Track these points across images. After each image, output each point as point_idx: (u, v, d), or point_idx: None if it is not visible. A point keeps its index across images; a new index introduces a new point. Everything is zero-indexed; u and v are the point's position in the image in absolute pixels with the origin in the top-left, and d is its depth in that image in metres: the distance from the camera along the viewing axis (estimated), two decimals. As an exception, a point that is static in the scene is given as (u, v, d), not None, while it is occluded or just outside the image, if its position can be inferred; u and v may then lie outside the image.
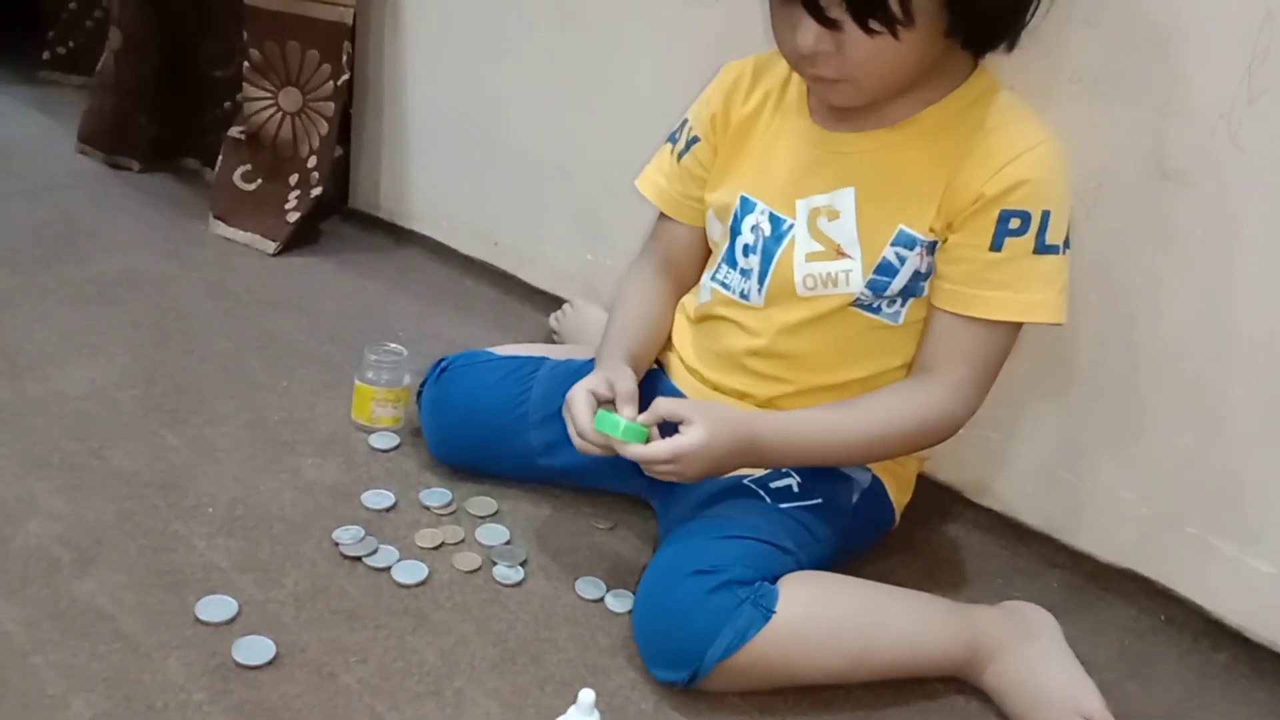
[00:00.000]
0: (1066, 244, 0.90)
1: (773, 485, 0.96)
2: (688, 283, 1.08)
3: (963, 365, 0.92)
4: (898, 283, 0.92)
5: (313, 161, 1.55)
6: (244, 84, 1.56)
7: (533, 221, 1.47)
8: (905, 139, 0.92)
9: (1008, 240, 0.88)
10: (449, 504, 1.05)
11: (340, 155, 1.63)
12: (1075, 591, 1.06)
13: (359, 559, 0.96)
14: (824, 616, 0.87)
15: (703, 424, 0.87)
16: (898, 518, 1.04)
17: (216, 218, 1.58)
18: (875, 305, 0.94)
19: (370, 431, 1.14)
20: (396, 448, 1.12)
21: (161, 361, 1.23)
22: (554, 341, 1.35)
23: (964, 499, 1.15)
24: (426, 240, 1.59)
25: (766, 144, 0.99)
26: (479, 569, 0.97)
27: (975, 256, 0.89)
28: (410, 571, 0.95)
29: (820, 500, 0.96)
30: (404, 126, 1.58)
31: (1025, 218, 0.87)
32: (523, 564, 0.98)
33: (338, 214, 1.66)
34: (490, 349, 1.14)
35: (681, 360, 1.04)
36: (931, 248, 0.92)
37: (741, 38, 1.05)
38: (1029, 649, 0.91)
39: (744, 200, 0.98)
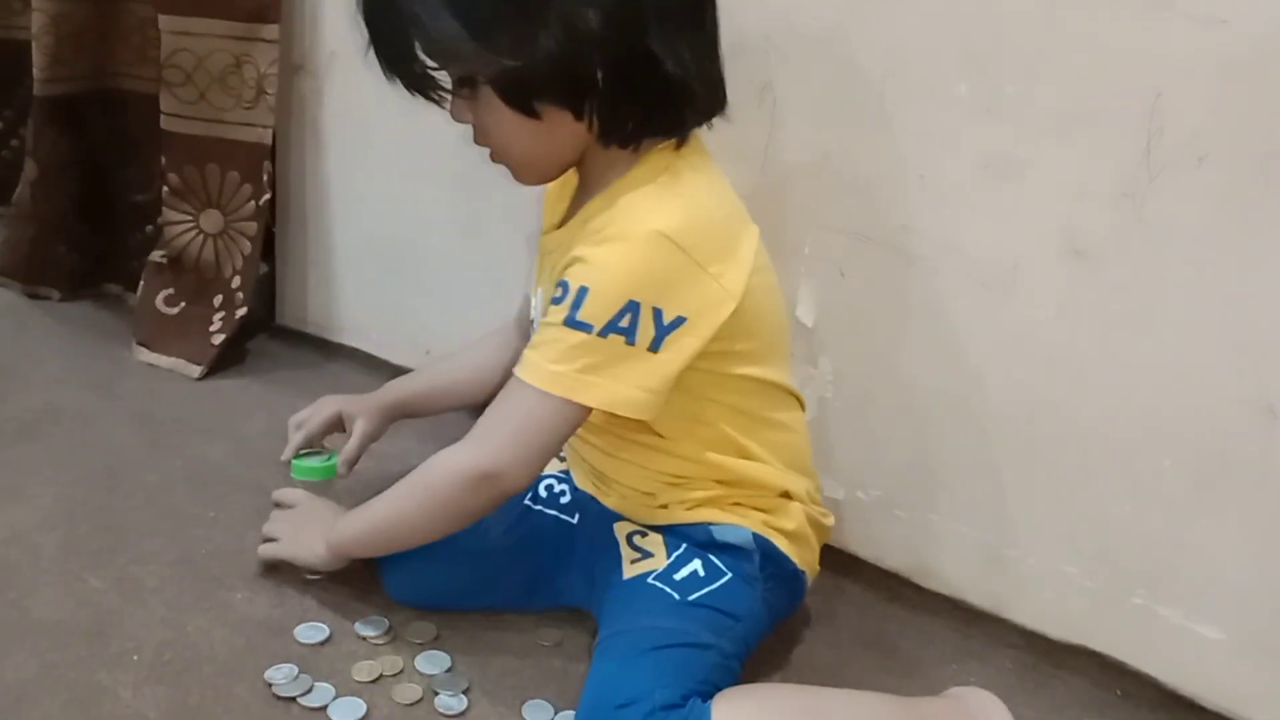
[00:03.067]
0: (619, 331, 0.86)
1: (677, 577, 0.95)
2: None
3: (489, 415, 0.92)
4: None
5: (236, 282, 1.53)
6: (164, 208, 1.55)
7: (463, 328, 1.45)
8: (569, 235, 0.93)
9: (551, 307, 0.89)
10: (386, 632, 1.01)
11: (265, 272, 1.61)
12: (1028, 671, 1.05)
13: (293, 699, 0.92)
14: (762, 735, 0.85)
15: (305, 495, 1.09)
16: (809, 578, 1.03)
17: (140, 344, 1.55)
18: None
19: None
20: (330, 576, 1.09)
21: (84, 500, 1.19)
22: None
23: (911, 584, 1.14)
24: (356, 353, 1.57)
25: None
26: (420, 701, 0.94)
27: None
28: (347, 710, 0.92)
29: (729, 575, 0.96)
30: (329, 241, 1.57)
31: (565, 287, 0.88)
32: (466, 691, 0.95)
33: (265, 331, 1.63)
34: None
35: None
36: None
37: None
38: (980, 739, 0.90)
39: (526, 297, 1.05)
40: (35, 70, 1.58)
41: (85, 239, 1.70)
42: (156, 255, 1.58)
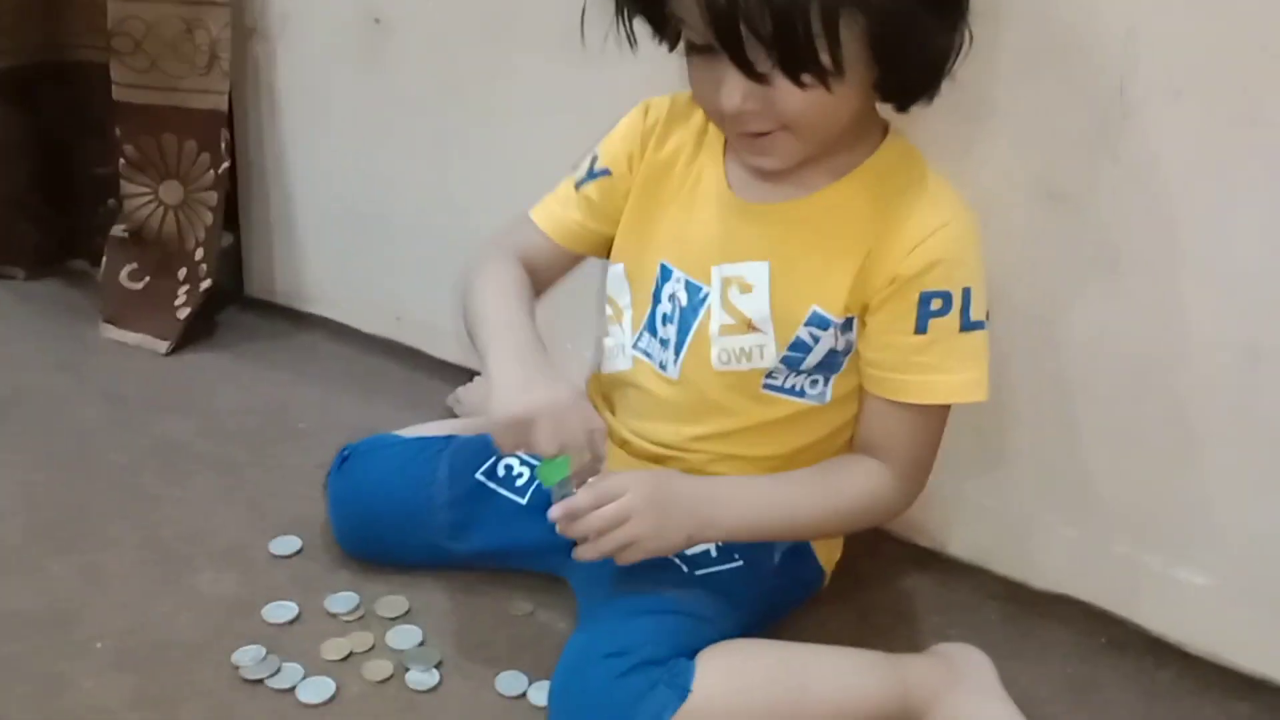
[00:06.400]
0: (987, 317, 0.88)
1: (689, 552, 0.92)
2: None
3: (906, 449, 0.90)
4: (812, 359, 0.90)
5: (200, 254, 1.50)
6: (121, 181, 1.51)
7: (433, 293, 1.43)
8: (818, 212, 0.88)
9: (931, 322, 0.85)
10: (356, 608, 0.99)
11: (230, 243, 1.58)
12: (1013, 621, 1.03)
13: (260, 681, 0.91)
14: (744, 689, 0.83)
15: (635, 475, 0.87)
16: (828, 576, 1.02)
17: (106, 321, 1.51)
18: (798, 388, 0.92)
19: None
20: (299, 552, 1.07)
21: (48, 484, 1.17)
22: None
23: (892, 537, 1.13)
24: (327, 322, 1.54)
25: (682, 205, 0.94)
26: (391, 677, 0.92)
27: (901, 342, 0.87)
28: (316, 689, 0.90)
29: (740, 563, 0.93)
30: (293, 208, 1.53)
31: (946, 298, 0.85)
32: (438, 666, 0.94)
33: (234, 303, 1.60)
34: (397, 431, 1.10)
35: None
36: (846, 326, 0.89)
37: (622, 98, 1.02)
38: (963, 695, 0.88)
39: (663, 268, 0.94)
40: (-19, 44, 1.54)
41: (48, 216, 1.66)
42: (118, 230, 1.54)
